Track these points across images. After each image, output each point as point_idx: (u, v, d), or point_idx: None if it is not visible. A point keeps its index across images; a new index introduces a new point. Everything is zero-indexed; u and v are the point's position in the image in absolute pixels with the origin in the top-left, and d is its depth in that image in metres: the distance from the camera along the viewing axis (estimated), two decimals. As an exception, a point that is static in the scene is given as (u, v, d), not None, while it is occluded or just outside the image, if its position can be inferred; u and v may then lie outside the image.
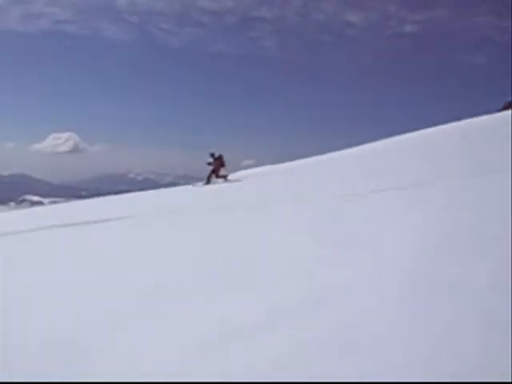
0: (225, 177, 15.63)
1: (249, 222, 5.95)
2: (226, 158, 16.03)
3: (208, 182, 15.46)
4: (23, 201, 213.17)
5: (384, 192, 6.82)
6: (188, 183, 18.17)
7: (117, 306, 2.77)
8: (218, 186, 14.53)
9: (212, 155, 15.79)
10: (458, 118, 21.23)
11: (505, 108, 27.21)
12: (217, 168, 15.65)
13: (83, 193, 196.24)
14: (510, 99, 31.84)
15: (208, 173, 15.66)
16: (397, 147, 17.26)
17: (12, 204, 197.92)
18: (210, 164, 15.70)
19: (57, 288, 3.35)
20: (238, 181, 14.97)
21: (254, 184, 13.77)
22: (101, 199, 16.01)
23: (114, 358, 2.09)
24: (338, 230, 4.44)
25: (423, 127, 20.93)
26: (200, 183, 15.68)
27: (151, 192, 16.64)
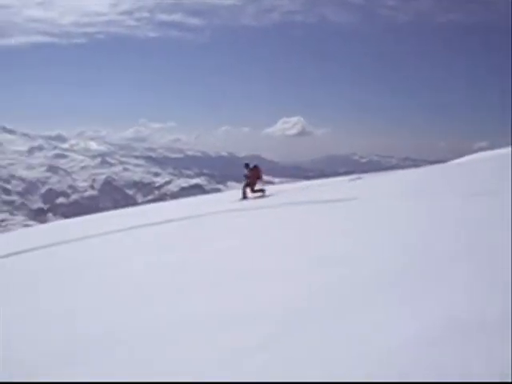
0: (262, 191, 13.63)
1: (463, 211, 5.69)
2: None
3: (244, 196, 13.45)
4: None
5: None
6: (411, 166, 16.75)
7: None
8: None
9: (246, 165, 13.75)
10: None
11: None
12: (252, 181, 13.59)
13: (310, 174, 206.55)
14: None
15: (243, 186, 13.78)
16: None
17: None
18: (247, 177, 13.66)
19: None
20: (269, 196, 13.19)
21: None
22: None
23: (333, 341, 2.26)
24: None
25: None
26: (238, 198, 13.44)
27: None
